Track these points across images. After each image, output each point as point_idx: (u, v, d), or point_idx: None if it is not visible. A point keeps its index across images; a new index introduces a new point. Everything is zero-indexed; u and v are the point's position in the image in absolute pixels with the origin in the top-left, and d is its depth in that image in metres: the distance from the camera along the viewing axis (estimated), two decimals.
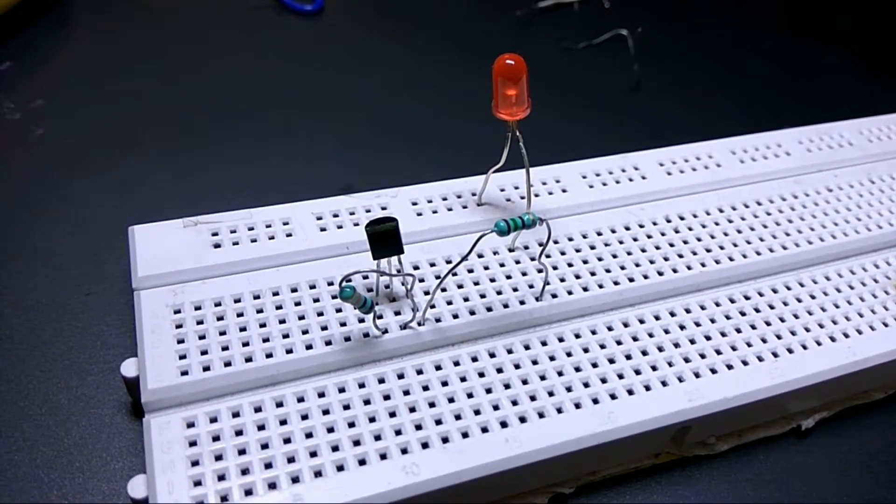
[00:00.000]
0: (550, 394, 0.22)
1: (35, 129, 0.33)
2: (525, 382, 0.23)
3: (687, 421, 0.23)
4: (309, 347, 0.23)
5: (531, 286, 0.25)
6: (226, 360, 0.22)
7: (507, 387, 0.23)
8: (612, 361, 0.23)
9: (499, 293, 0.25)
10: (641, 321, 0.25)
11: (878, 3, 0.48)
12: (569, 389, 0.23)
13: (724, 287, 0.26)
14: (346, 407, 0.22)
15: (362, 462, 0.20)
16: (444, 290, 0.25)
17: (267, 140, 0.34)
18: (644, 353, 0.24)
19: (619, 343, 0.24)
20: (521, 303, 0.25)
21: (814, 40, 0.45)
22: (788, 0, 0.48)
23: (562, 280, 0.26)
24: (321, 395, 0.22)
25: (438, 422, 0.21)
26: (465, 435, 0.21)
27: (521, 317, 0.24)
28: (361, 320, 0.24)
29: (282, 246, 0.26)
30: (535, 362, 0.23)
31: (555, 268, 0.26)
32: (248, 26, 0.40)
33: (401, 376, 0.22)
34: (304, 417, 0.21)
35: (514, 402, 0.22)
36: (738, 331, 0.25)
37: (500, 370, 0.23)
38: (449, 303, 0.24)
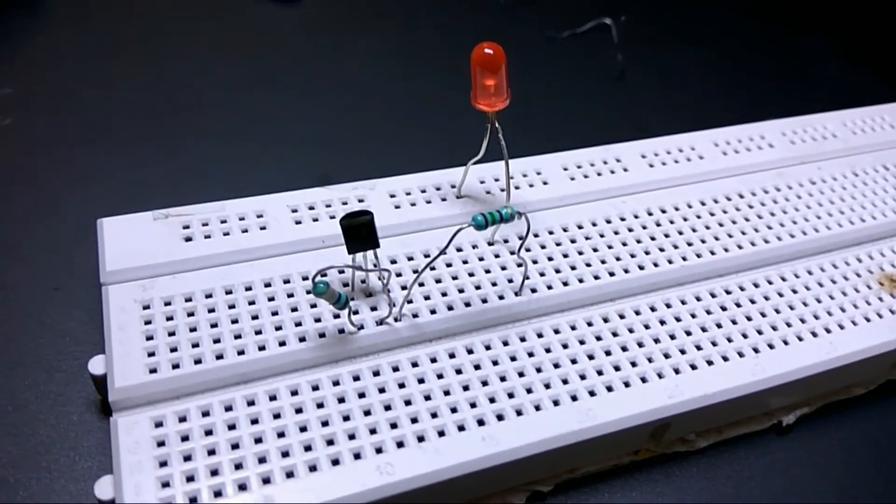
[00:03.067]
0: (529, 391, 0.22)
1: (2, 119, 0.32)
2: (503, 379, 0.22)
3: (666, 418, 0.22)
4: (282, 344, 0.22)
5: (510, 281, 0.25)
6: (196, 357, 0.22)
7: (484, 384, 0.22)
8: (591, 357, 0.23)
9: (477, 288, 0.24)
10: (622, 316, 0.24)
11: None
12: (547, 386, 0.22)
13: (706, 281, 0.26)
14: (320, 405, 0.21)
15: (336, 462, 0.20)
16: (421, 284, 0.24)
17: (243, 130, 0.33)
18: (624, 348, 0.24)
19: (598, 339, 0.24)
20: (500, 298, 0.24)
21: (799, 31, 0.44)
22: None
23: (541, 274, 0.25)
24: (294, 393, 0.21)
25: (414, 420, 0.21)
26: (441, 433, 0.21)
27: (499, 312, 0.24)
28: (337, 316, 0.23)
29: (255, 239, 0.25)
30: (513, 359, 0.23)
31: (534, 262, 0.25)
32: (226, 14, 0.40)
33: (376, 373, 0.22)
34: (277, 416, 0.21)
35: (492, 400, 0.22)
36: (719, 326, 0.25)
37: (477, 367, 0.23)
38: (426, 298, 0.24)
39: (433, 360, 0.23)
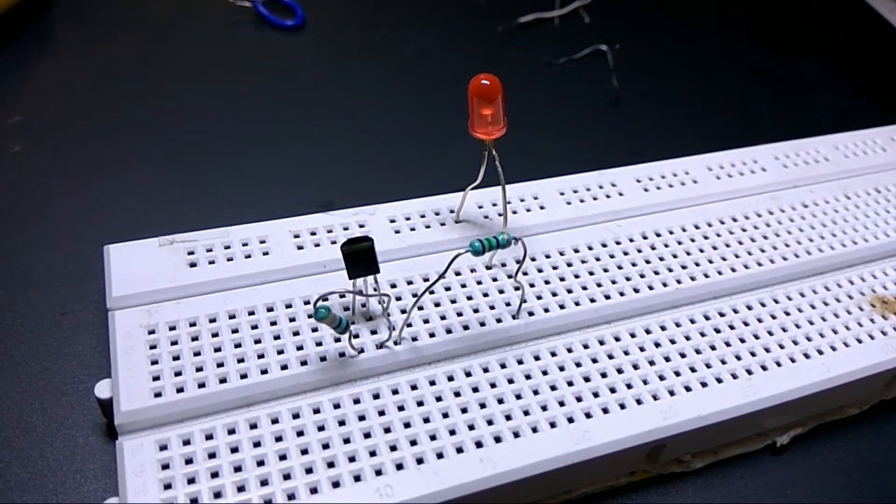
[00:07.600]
0: (526, 413, 0.22)
1: (12, 146, 0.33)
2: (501, 401, 0.23)
3: (662, 439, 0.23)
4: (284, 368, 0.23)
5: (508, 304, 0.25)
6: (200, 381, 0.22)
7: (482, 406, 0.23)
8: (587, 380, 0.24)
9: (475, 311, 0.25)
10: (617, 339, 0.25)
11: (855, 19, 0.49)
12: (544, 408, 0.23)
13: (700, 304, 0.26)
14: (321, 428, 0.22)
15: (336, 484, 0.20)
16: (420, 308, 0.25)
17: (246, 157, 0.34)
18: (619, 370, 0.24)
19: (594, 361, 0.24)
20: (498, 321, 0.25)
21: (792, 56, 0.45)
22: (767, 16, 0.49)
23: (538, 298, 0.26)
24: (296, 416, 0.22)
25: (413, 442, 0.21)
26: (440, 455, 0.21)
27: (497, 335, 0.24)
28: (337, 340, 0.24)
29: (258, 265, 0.25)
30: (510, 381, 0.23)
31: (532, 285, 0.26)
32: (229, 41, 0.40)
33: (376, 396, 0.22)
34: (279, 439, 0.21)
35: (490, 422, 0.22)
36: (713, 348, 0.25)
37: (475, 389, 0.23)
38: (426, 321, 0.24)
39: (432, 383, 0.23)
